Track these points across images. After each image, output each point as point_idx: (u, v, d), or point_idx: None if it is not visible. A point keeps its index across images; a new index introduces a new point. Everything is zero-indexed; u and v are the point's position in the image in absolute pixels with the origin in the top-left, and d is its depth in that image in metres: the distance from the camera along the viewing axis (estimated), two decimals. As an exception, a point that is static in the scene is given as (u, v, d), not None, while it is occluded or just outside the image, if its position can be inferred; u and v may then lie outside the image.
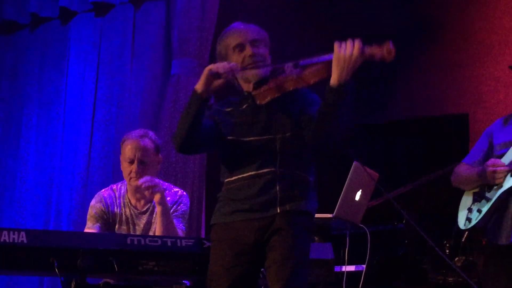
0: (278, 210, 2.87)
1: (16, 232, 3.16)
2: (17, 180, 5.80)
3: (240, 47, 3.01)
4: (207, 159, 5.22)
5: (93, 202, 4.02)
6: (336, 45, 2.77)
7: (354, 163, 4.13)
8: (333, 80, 2.77)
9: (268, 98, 2.93)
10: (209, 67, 2.89)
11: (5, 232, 3.15)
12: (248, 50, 2.99)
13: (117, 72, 5.54)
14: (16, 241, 3.14)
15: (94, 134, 5.52)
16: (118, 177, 4.18)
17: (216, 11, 5.26)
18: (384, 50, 2.84)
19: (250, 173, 2.93)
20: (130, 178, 3.95)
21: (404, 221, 4.84)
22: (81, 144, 5.54)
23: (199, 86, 2.90)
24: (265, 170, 2.91)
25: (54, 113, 5.78)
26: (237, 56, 3.00)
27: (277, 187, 2.89)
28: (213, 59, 5.24)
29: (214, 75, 2.87)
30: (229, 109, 3.05)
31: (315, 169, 3.02)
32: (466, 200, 3.80)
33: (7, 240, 3.14)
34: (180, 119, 2.96)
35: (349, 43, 2.77)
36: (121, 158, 4.02)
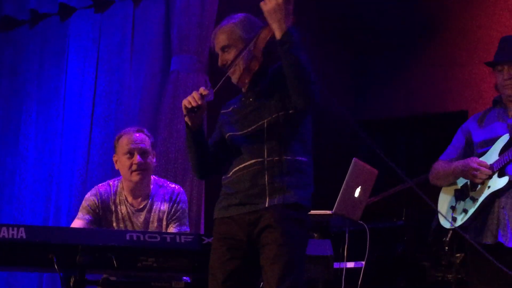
0: (267, 204, 2.87)
1: (15, 228, 3.17)
2: (16, 176, 5.79)
3: (218, 52, 3.10)
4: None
5: (88, 194, 4.03)
6: (261, 4, 2.87)
7: (353, 160, 4.13)
8: (276, 34, 2.86)
9: (246, 81, 3.03)
10: (183, 103, 2.99)
11: (4, 228, 3.15)
12: (219, 61, 3.08)
13: (116, 69, 5.53)
14: (15, 237, 3.15)
15: (93, 130, 5.51)
16: (117, 173, 4.18)
17: (216, 8, 5.26)
18: None
19: (240, 166, 2.98)
20: (132, 172, 3.95)
21: (403, 218, 4.85)
22: (81, 141, 5.53)
23: (186, 119, 3.02)
24: (253, 161, 2.94)
25: (53, 110, 5.77)
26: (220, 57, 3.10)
27: (266, 177, 2.90)
28: (212, 56, 5.24)
29: (191, 110, 2.96)
30: (229, 109, 3.13)
31: (308, 149, 2.99)
32: (447, 198, 3.79)
33: (6, 236, 3.14)
34: (188, 154, 3.13)
35: None
36: (118, 155, 4.01)
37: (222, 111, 3.16)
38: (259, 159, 2.93)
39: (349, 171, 4.15)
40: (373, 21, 6.37)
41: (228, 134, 3.07)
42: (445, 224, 3.74)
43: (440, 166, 3.82)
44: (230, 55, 3.03)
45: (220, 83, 3.01)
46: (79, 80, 5.68)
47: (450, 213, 3.69)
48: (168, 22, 5.42)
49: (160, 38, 5.44)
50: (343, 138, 6.12)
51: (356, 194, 4.21)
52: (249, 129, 2.99)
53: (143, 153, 3.94)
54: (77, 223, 3.93)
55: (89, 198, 4.00)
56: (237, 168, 2.99)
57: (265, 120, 2.96)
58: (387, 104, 6.60)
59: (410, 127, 6.55)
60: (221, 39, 3.05)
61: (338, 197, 4.13)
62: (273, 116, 2.95)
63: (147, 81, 5.42)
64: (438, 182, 3.84)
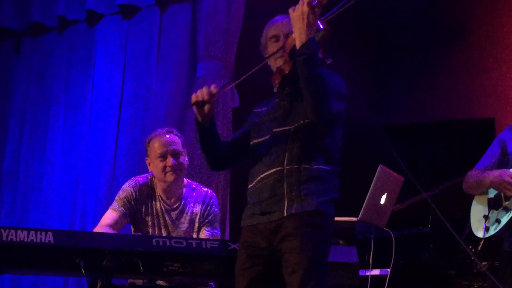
0: (285, 214, 2.88)
1: (43, 232, 3.19)
2: (43, 181, 5.84)
3: (276, 37, 3.10)
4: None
5: (126, 185, 4.04)
6: (290, 10, 2.89)
7: (379, 167, 4.12)
8: (296, 43, 2.87)
9: (276, 82, 3.03)
10: (192, 98, 3.07)
11: (33, 232, 3.17)
12: (280, 43, 3.07)
13: (143, 75, 5.57)
14: (43, 241, 3.17)
15: (119, 136, 5.55)
16: (143, 178, 4.20)
17: (242, 14, 5.27)
18: None
19: (261, 176, 2.99)
20: (166, 173, 3.96)
21: (429, 226, 4.82)
22: (107, 146, 5.57)
23: (196, 115, 3.10)
24: (273, 170, 2.95)
25: (80, 115, 5.82)
26: (272, 46, 3.10)
27: (284, 186, 2.91)
28: (238, 62, 5.25)
29: (199, 104, 3.03)
30: (262, 109, 3.14)
31: (333, 158, 2.97)
32: (480, 207, 3.78)
33: (35, 240, 3.16)
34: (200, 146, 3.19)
35: (299, 2, 2.87)
36: (151, 158, 4.02)
37: (254, 110, 3.17)
38: (279, 168, 2.93)
39: (375, 178, 4.14)
40: (399, 25, 6.35)
41: (252, 142, 3.08)
42: (478, 233, 3.72)
43: (473, 175, 3.81)
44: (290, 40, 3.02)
45: (241, 78, 3.06)
46: (106, 86, 5.73)
47: (483, 223, 3.68)
48: (195, 29, 5.45)
49: (186, 44, 5.46)
50: (370, 145, 6.10)
51: (382, 201, 4.20)
52: (277, 130, 2.99)
53: (176, 155, 3.96)
54: (111, 215, 3.93)
55: (127, 189, 4.00)
56: (259, 177, 2.99)
57: (292, 126, 2.96)
58: (412, 110, 6.57)
59: (436, 134, 6.51)
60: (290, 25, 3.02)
61: (364, 204, 4.13)
62: (299, 122, 2.94)
63: (173, 87, 5.45)
64: (471, 191, 3.84)
